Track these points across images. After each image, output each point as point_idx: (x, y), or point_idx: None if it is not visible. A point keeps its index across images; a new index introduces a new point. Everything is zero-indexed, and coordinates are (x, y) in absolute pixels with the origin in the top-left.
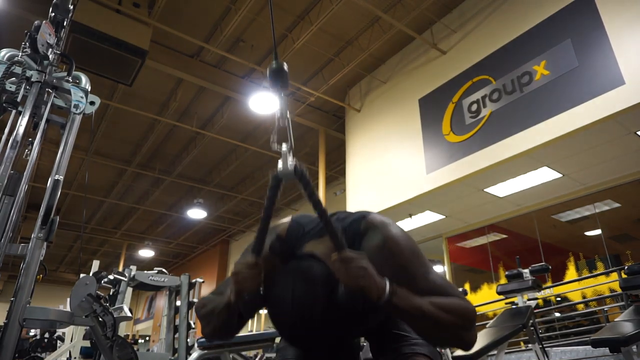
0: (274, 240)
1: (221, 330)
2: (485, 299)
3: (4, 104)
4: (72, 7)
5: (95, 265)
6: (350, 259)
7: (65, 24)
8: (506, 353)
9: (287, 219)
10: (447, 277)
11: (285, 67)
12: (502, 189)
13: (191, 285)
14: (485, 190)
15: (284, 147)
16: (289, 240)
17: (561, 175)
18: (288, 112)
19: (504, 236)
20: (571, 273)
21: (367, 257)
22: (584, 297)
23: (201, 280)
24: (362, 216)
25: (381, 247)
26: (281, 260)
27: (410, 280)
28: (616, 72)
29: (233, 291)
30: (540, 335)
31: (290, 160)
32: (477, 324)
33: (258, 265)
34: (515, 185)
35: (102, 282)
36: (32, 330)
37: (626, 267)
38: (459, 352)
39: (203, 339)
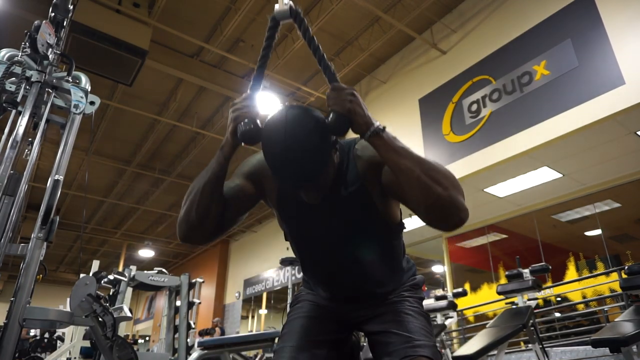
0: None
1: (197, 214)
2: (485, 299)
3: (4, 104)
4: (72, 7)
5: (95, 265)
6: (341, 87)
7: (65, 24)
8: (506, 353)
9: None
10: (447, 277)
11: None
12: (502, 189)
13: (191, 285)
14: (485, 190)
15: None
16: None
17: (561, 175)
18: None
19: (504, 236)
20: (571, 273)
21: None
22: (584, 297)
23: (201, 280)
24: (354, 140)
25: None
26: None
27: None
28: (616, 72)
29: (231, 123)
30: (540, 335)
31: (286, 1)
32: (477, 324)
33: (254, 98)
34: (515, 185)
35: (102, 282)
36: (32, 331)
37: (626, 267)
38: (459, 352)
39: (203, 339)
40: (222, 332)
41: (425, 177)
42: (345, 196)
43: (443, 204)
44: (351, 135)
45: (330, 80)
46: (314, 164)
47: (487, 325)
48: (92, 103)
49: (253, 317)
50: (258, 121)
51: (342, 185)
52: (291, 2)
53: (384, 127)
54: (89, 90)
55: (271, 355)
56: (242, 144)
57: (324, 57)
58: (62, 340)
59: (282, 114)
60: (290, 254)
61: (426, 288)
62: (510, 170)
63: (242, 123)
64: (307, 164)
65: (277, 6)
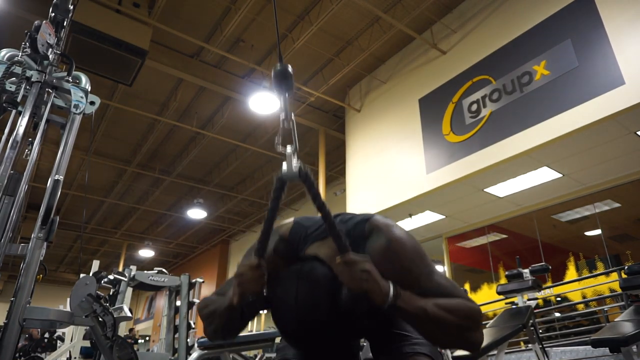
0: (277, 241)
1: (223, 331)
2: (485, 299)
3: (4, 104)
4: (72, 7)
5: (95, 265)
6: (354, 262)
7: (65, 24)
8: (506, 353)
9: (289, 221)
10: (447, 277)
11: (290, 69)
12: (502, 189)
13: (191, 285)
14: (485, 190)
15: (289, 148)
16: (292, 242)
17: (561, 175)
18: (293, 114)
19: (504, 236)
20: (571, 273)
21: (370, 260)
22: (584, 297)
23: (201, 280)
24: (366, 218)
25: (385, 249)
26: (284, 262)
27: (414, 282)
28: (616, 72)
29: (236, 293)
30: (540, 335)
31: (295, 162)
32: None
33: (261, 267)
34: (515, 185)
35: (102, 282)
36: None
37: (626, 267)
38: (459, 352)
39: (203, 339)
40: None
41: (444, 337)
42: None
43: (457, 346)
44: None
45: (340, 249)
46: (326, 337)
47: (487, 325)
48: (92, 103)
49: (254, 318)
50: (264, 291)
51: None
52: (300, 164)
53: (400, 292)
54: (89, 90)
55: (271, 355)
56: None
57: (334, 225)
58: (62, 340)
59: (291, 289)
60: None
61: None
62: (510, 170)
63: (248, 297)
64: (319, 338)
65: (284, 166)
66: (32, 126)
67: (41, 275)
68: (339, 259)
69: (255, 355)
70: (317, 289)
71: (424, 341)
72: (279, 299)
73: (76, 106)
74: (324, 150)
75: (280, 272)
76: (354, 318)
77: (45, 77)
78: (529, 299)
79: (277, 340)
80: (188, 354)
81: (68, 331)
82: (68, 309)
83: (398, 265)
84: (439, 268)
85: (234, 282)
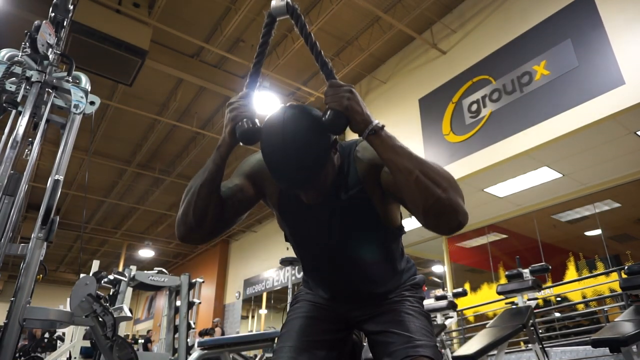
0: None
1: (194, 211)
2: (485, 299)
3: (4, 104)
4: (72, 7)
5: (95, 265)
6: (338, 84)
7: (65, 24)
8: (506, 353)
9: None
10: (447, 277)
11: None
12: (502, 189)
13: (191, 285)
14: (485, 190)
15: None
16: None
17: (561, 175)
18: None
19: (504, 236)
20: (571, 273)
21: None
22: (584, 297)
23: (201, 280)
24: (354, 141)
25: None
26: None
27: None
28: (616, 72)
29: (229, 121)
30: (540, 335)
31: None
32: (477, 324)
33: (251, 96)
34: (515, 185)
35: (102, 282)
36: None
37: (626, 267)
38: (459, 352)
39: (203, 339)
40: (222, 332)
41: (424, 178)
42: (345, 199)
43: (442, 206)
44: (353, 136)
45: (328, 77)
46: (311, 163)
47: (487, 325)
48: (92, 103)
49: (253, 317)
50: (257, 120)
51: (342, 188)
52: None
53: (383, 126)
54: (89, 90)
55: (271, 355)
56: (241, 143)
57: (321, 53)
58: (62, 340)
59: (280, 114)
60: (291, 253)
61: (426, 288)
62: (510, 170)
63: (240, 122)
64: (304, 164)
65: (273, 2)
66: (32, 126)
67: (41, 275)
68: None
69: (255, 355)
70: (303, 116)
71: (427, 342)
72: (267, 134)
73: (76, 106)
74: None
75: (266, 120)
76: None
77: (45, 77)
78: (529, 299)
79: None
80: (188, 354)
81: (68, 331)
82: (68, 309)
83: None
84: (438, 268)
85: (226, 115)
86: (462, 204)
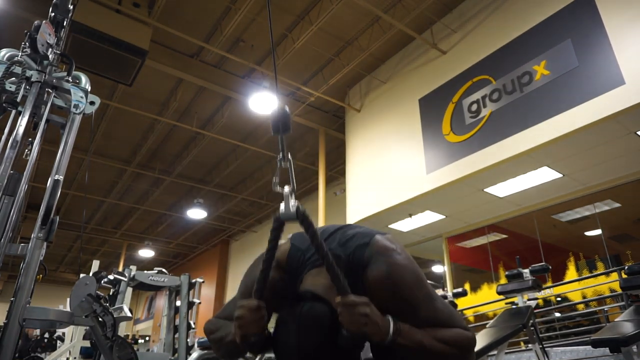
0: (274, 271)
1: (232, 357)
2: (485, 299)
3: (4, 104)
4: (72, 7)
5: (95, 265)
6: (353, 305)
7: (65, 24)
8: (506, 353)
9: (286, 242)
10: (447, 277)
11: (287, 109)
12: (502, 189)
13: (191, 285)
14: (485, 190)
15: (286, 189)
16: (289, 268)
17: (561, 175)
18: (289, 154)
19: (504, 236)
20: (571, 273)
21: (369, 301)
22: (584, 297)
23: (201, 280)
24: (366, 242)
25: (385, 279)
26: (281, 293)
27: (413, 310)
28: (616, 72)
29: (237, 334)
30: (540, 335)
31: (292, 202)
32: (477, 324)
33: (261, 309)
34: (515, 185)
35: (102, 282)
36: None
37: (626, 267)
38: None
39: (203, 339)
40: None
41: None
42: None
43: None
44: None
45: (340, 291)
46: None
47: (487, 325)
48: (92, 103)
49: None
50: (266, 331)
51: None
52: (298, 204)
53: (399, 329)
54: (89, 90)
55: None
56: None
57: (333, 265)
58: (62, 340)
59: (292, 329)
60: None
61: None
62: (510, 170)
63: (250, 338)
64: None
65: (282, 206)
66: (32, 126)
67: (41, 275)
68: (338, 299)
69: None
70: (317, 333)
71: None
72: (280, 341)
73: (76, 106)
74: (324, 150)
75: (280, 316)
76: (354, 356)
77: (45, 77)
78: (529, 299)
79: None
80: (188, 354)
81: (68, 331)
82: (68, 309)
83: (398, 294)
84: (438, 268)
85: (235, 325)
86: None
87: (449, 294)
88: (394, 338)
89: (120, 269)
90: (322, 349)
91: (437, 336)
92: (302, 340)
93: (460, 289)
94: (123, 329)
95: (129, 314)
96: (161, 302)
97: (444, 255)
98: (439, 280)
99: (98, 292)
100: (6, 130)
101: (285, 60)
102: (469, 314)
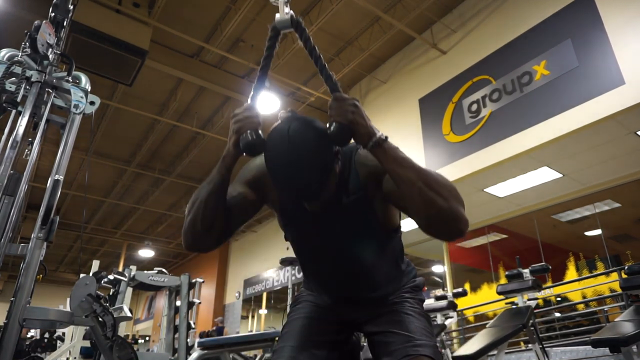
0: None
1: (202, 221)
2: (485, 299)
3: (4, 104)
4: (72, 7)
5: (95, 265)
6: (343, 98)
7: (65, 24)
8: (506, 353)
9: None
10: (447, 277)
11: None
12: (502, 189)
13: (191, 285)
14: (485, 190)
15: None
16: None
17: (561, 175)
18: None
19: (504, 236)
20: (571, 273)
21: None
22: (584, 297)
23: (201, 280)
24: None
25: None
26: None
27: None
28: (616, 72)
29: (233, 132)
30: (541, 335)
31: (287, 11)
32: (477, 324)
33: (254, 109)
34: (515, 185)
35: (102, 282)
36: (32, 331)
37: (626, 267)
38: (459, 352)
39: (203, 339)
40: (219, 332)
41: (426, 189)
42: (346, 204)
43: (443, 215)
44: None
45: (332, 90)
46: (315, 177)
47: (487, 325)
48: (92, 103)
49: (253, 317)
50: (260, 132)
51: (343, 193)
52: (292, 12)
53: (386, 137)
54: (89, 90)
55: (271, 355)
56: (244, 154)
57: (326, 66)
58: (62, 340)
59: (285, 126)
60: (291, 253)
61: (426, 289)
62: (510, 170)
63: (244, 134)
64: (309, 178)
65: (277, 16)
66: (32, 126)
67: (41, 275)
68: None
69: (255, 355)
70: (308, 128)
71: (427, 342)
72: (271, 146)
73: (76, 106)
74: None
75: (272, 130)
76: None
77: (45, 77)
78: (529, 299)
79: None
80: (188, 354)
81: (68, 331)
82: (68, 309)
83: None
84: (438, 268)
85: (230, 126)
86: (463, 212)
87: (449, 294)
88: (379, 141)
89: (120, 269)
90: (311, 151)
91: (429, 170)
92: (292, 142)
93: (460, 289)
94: (123, 329)
95: (129, 314)
96: (161, 302)
97: (444, 255)
98: (439, 282)
99: (98, 292)
100: (6, 130)
101: (285, 60)
102: (469, 314)
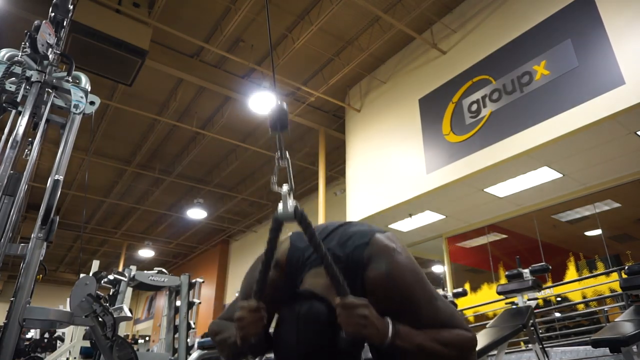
0: (273, 270)
1: (236, 358)
2: (485, 299)
3: (4, 104)
4: (72, 7)
5: (95, 265)
6: (352, 306)
7: (65, 24)
8: (506, 353)
9: (285, 241)
10: (447, 277)
11: (285, 106)
12: (502, 189)
13: (191, 285)
14: (485, 190)
15: (284, 188)
16: (289, 269)
17: (561, 175)
18: (287, 153)
19: (504, 236)
20: (571, 273)
21: (368, 303)
22: (584, 297)
23: (201, 280)
24: (366, 242)
25: (385, 279)
26: (282, 292)
27: (414, 310)
28: (616, 72)
29: (238, 336)
30: (541, 335)
31: (291, 202)
32: (477, 324)
33: (260, 309)
34: (515, 185)
35: (102, 282)
36: (32, 331)
37: (626, 267)
38: None
39: (203, 339)
40: None
41: None
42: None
43: None
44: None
45: (339, 292)
46: None
47: (487, 325)
48: (92, 103)
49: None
50: (267, 332)
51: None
52: (297, 204)
53: (398, 331)
54: (89, 90)
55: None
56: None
57: (332, 265)
58: (62, 340)
59: (293, 336)
60: None
61: None
62: (510, 170)
63: (250, 339)
64: None
65: (280, 206)
66: (32, 126)
67: (41, 275)
68: (337, 300)
69: None
70: (316, 332)
71: None
72: (281, 341)
73: (76, 106)
74: (324, 150)
75: (280, 315)
76: (354, 355)
77: (45, 77)
78: (529, 299)
79: None
80: (188, 354)
81: (68, 331)
82: (68, 309)
83: (398, 295)
84: (438, 268)
85: (235, 326)
86: None
87: (449, 294)
88: (392, 341)
89: (120, 269)
90: (321, 348)
91: (437, 338)
92: (302, 339)
93: (460, 289)
94: (123, 329)
95: (129, 314)
96: (161, 302)
97: (444, 255)
98: (439, 281)
99: (98, 292)
100: (6, 130)
101: (285, 60)
102: (469, 314)
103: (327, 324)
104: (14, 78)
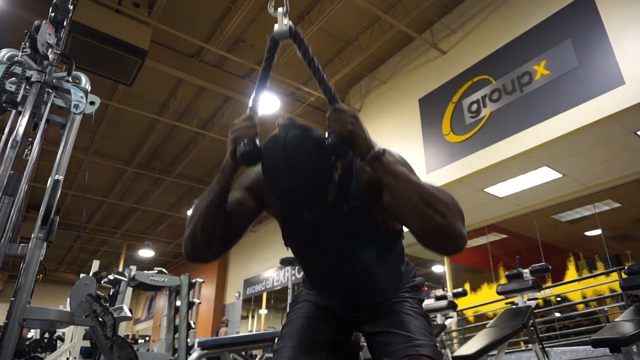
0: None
1: (202, 232)
2: (485, 299)
3: (4, 104)
4: (72, 7)
5: (95, 265)
6: (342, 109)
7: (65, 24)
8: (506, 353)
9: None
10: (447, 277)
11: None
12: (502, 189)
13: (191, 285)
14: (485, 190)
15: (280, 10)
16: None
17: (561, 175)
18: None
19: (504, 236)
20: (571, 273)
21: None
22: (584, 297)
23: (201, 280)
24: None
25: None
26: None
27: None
28: (616, 72)
29: (231, 141)
30: (540, 335)
31: (286, 22)
32: (477, 324)
33: (253, 119)
34: (515, 185)
35: (102, 282)
36: (32, 331)
37: (626, 267)
38: (459, 352)
39: (203, 339)
40: (216, 333)
41: (422, 204)
42: (347, 212)
43: (440, 231)
44: None
45: (331, 101)
46: (314, 189)
47: (487, 325)
48: (92, 103)
49: (253, 317)
50: (257, 141)
51: (344, 201)
52: (291, 22)
53: (384, 150)
54: (89, 90)
55: (271, 355)
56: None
57: (325, 78)
58: (62, 340)
59: (282, 135)
60: (290, 253)
61: (426, 288)
62: (510, 170)
63: (241, 144)
64: (307, 189)
65: (276, 26)
66: (32, 126)
67: (41, 275)
68: (330, 107)
69: (255, 355)
70: (306, 139)
71: (426, 342)
72: (268, 156)
73: (76, 106)
74: None
75: (266, 142)
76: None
77: (45, 77)
78: (529, 299)
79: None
80: (188, 354)
81: (68, 331)
82: (68, 309)
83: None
84: (438, 268)
85: (228, 136)
86: (462, 229)
87: (449, 294)
88: (378, 154)
89: (120, 269)
90: (309, 162)
91: (423, 182)
92: (290, 153)
93: (460, 289)
94: (123, 329)
95: (129, 314)
96: (161, 302)
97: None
98: (439, 281)
99: (98, 292)
100: (6, 130)
101: (285, 60)
102: (469, 314)
103: (314, 133)
104: (14, 78)
